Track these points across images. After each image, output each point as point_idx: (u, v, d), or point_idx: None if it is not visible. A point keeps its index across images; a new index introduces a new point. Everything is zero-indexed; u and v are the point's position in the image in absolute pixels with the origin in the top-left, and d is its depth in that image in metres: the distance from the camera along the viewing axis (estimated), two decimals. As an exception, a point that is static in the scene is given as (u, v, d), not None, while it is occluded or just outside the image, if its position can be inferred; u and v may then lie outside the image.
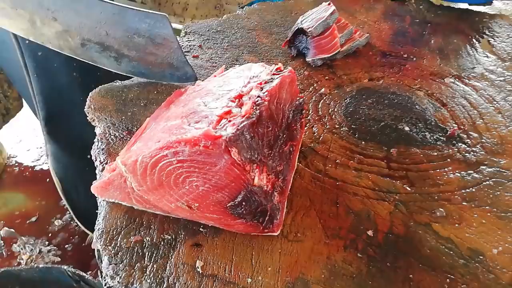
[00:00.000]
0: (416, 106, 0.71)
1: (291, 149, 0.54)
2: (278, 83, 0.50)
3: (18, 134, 1.62)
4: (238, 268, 0.45)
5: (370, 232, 0.49)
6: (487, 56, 0.84)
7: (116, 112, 0.65)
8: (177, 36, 0.71)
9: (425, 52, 0.86)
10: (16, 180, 1.43)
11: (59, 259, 1.20)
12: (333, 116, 0.68)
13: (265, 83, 0.50)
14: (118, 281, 0.44)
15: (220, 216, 0.46)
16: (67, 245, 1.24)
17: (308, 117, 0.67)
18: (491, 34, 0.91)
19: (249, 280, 0.44)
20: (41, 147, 1.53)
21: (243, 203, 0.44)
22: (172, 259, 0.46)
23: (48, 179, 1.37)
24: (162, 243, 0.47)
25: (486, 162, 0.60)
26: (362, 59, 0.84)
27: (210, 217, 0.46)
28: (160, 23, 0.66)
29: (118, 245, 0.47)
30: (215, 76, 0.60)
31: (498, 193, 0.55)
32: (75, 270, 0.84)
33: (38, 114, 1.02)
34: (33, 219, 1.31)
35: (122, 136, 0.60)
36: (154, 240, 0.47)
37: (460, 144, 0.63)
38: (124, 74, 0.71)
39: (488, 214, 0.52)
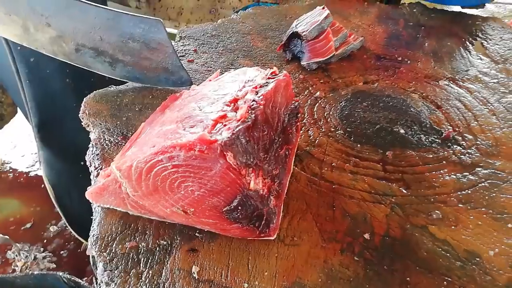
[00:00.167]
0: (411, 109, 0.71)
1: (286, 152, 0.54)
2: (273, 87, 0.50)
3: (12, 140, 1.61)
4: (235, 273, 0.45)
5: (366, 235, 0.49)
6: (481, 59, 0.85)
7: (111, 117, 0.65)
8: (172, 41, 0.71)
9: (419, 55, 0.86)
10: (10, 186, 1.42)
11: (54, 265, 1.20)
12: (329, 119, 0.68)
13: (260, 87, 0.50)
14: (113, 288, 0.44)
15: (216, 220, 0.45)
16: (62, 251, 1.24)
17: (304, 121, 0.67)
18: (484, 37, 0.92)
19: (246, 285, 0.44)
20: (35, 153, 1.52)
21: (239, 208, 0.44)
22: (168, 265, 0.45)
23: (42, 185, 1.36)
24: (157, 248, 0.47)
25: (481, 164, 0.60)
26: (357, 62, 0.84)
27: (206, 222, 0.46)
28: (154, 27, 0.66)
29: (113, 251, 0.47)
30: (210, 80, 0.60)
31: (494, 194, 0.55)
32: (71, 276, 0.84)
33: (30, 120, 1.02)
34: (28, 225, 1.30)
35: (117, 141, 0.60)
36: (150, 246, 0.47)
37: (455, 146, 0.63)
38: (119, 79, 0.71)
39: (484, 215, 0.52)
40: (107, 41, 0.68)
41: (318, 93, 0.74)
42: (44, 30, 0.68)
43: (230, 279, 0.44)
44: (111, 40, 0.68)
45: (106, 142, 0.60)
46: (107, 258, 0.46)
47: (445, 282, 0.45)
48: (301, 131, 0.64)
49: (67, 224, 1.14)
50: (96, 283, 0.46)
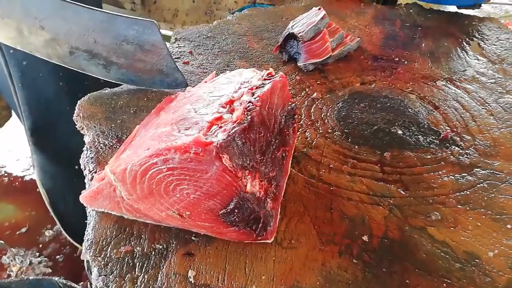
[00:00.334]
0: (409, 110, 0.70)
1: (283, 154, 0.53)
2: (269, 88, 0.49)
3: (7, 144, 1.60)
4: (232, 277, 0.44)
5: (365, 237, 0.49)
6: (478, 59, 0.84)
7: (106, 120, 0.64)
8: (167, 43, 0.71)
9: (416, 56, 0.86)
10: (5, 191, 1.41)
11: (50, 270, 1.19)
12: (326, 120, 0.68)
13: (257, 88, 0.49)
14: (108, 293, 0.43)
15: (212, 224, 0.45)
16: (58, 256, 1.22)
17: (301, 122, 0.67)
18: (481, 37, 0.92)
19: (243, 289, 0.43)
20: (30, 157, 1.51)
21: (236, 211, 0.43)
22: (164, 269, 0.45)
23: (38, 189, 1.34)
24: (153, 253, 0.46)
25: (479, 165, 0.59)
26: (354, 63, 0.84)
27: (202, 225, 0.45)
28: (148, 29, 0.66)
29: (108, 255, 0.46)
30: (205, 82, 0.59)
31: (493, 195, 0.55)
32: (66, 281, 0.83)
33: (23, 124, 1.01)
34: (23, 230, 1.29)
35: (111, 144, 0.59)
36: (145, 250, 0.46)
37: (453, 146, 0.63)
38: (114, 81, 0.70)
39: (483, 216, 0.52)
40: (101, 43, 0.67)
41: (315, 94, 0.74)
42: (38, 33, 0.67)
43: (227, 283, 0.43)
44: (105, 43, 0.67)
45: (101, 145, 0.59)
46: (102, 262, 0.45)
47: (444, 284, 0.44)
48: (298, 133, 0.64)
49: (62, 229, 1.13)
50: (91, 289, 0.45)
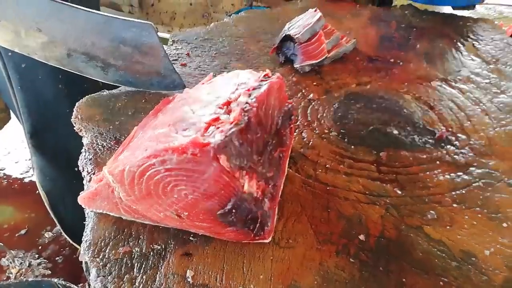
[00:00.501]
0: (404, 110, 0.71)
1: (280, 155, 0.53)
2: (266, 89, 0.49)
3: (6, 146, 1.60)
4: (230, 277, 0.44)
5: (362, 237, 0.49)
6: (472, 59, 0.85)
7: (104, 121, 0.64)
8: (165, 45, 0.71)
9: (411, 56, 0.86)
10: (4, 193, 1.41)
11: (49, 272, 1.19)
12: (322, 121, 0.68)
13: (253, 89, 0.50)
14: (107, 294, 0.43)
15: (210, 224, 0.45)
16: (57, 258, 1.22)
17: (297, 123, 0.67)
18: (475, 38, 0.92)
19: (241, 288, 0.43)
20: (29, 159, 1.51)
21: (233, 211, 0.43)
22: (162, 270, 0.45)
23: (37, 191, 1.35)
24: (151, 253, 0.46)
25: (475, 164, 0.60)
26: (350, 64, 0.84)
27: (200, 225, 0.46)
28: (145, 31, 0.66)
29: (106, 256, 0.46)
30: (203, 83, 0.60)
31: (488, 194, 0.55)
32: (66, 282, 0.83)
33: (22, 127, 1.01)
34: (23, 231, 1.29)
35: (109, 145, 0.60)
36: (143, 251, 0.47)
37: (448, 146, 0.63)
38: (111, 83, 0.71)
39: (479, 215, 0.52)
40: (98, 45, 0.68)
41: (311, 95, 0.74)
42: (35, 36, 0.67)
43: (225, 283, 0.44)
44: (103, 45, 0.68)
45: (99, 146, 0.59)
46: (100, 263, 0.46)
47: (441, 283, 0.45)
48: (295, 133, 0.64)
49: (61, 230, 1.13)
50: (90, 290, 0.46)
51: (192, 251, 0.47)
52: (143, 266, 0.45)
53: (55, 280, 0.83)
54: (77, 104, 0.67)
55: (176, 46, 0.86)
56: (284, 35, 0.82)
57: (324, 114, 0.70)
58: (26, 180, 1.45)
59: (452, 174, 0.58)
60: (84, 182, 0.56)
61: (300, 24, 0.83)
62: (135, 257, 0.46)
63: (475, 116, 0.69)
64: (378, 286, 0.44)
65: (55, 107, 0.98)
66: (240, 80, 0.53)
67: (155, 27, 0.67)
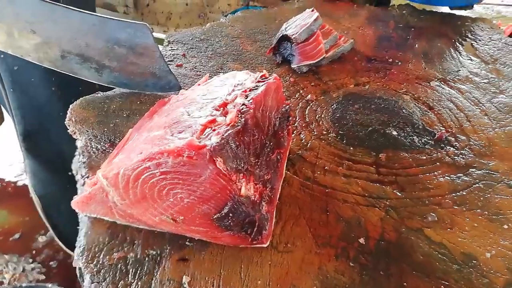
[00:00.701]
0: (403, 110, 0.70)
1: (278, 157, 0.53)
2: (263, 90, 0.49)
3: (-1, 149, 1.59)
4: (227, 283, 0.43)
5: (361, 240, 0.48)
6: (471, 59, 0.85)
7: (98, 124, 0.63)
8: (160, 46, 0.70)
9: (409, 56, 0.86)
10: (-2, 197, 1.40)
11: (43, 276, 1.17)
12: (320, 122, 0.67)
13: (250, 90, 0.49)
14: (101, 301, 0.42)
15: (207, 228, 0.44)
16: (52, 262, 1.21)
17: (295, 124, 0.67)
18: (474, 37, 0.92)
19: (239, 294, 0.42)
20: (23, 162, 1.50)
21: (230, 215, 0.42)
22: (158, 276, 0.44)
23: (31, 195, 1.34)
24: (146, 259, 0.45)
25: (475, 165, 0.59)
26: (348, 64, 0.83)
27: (196, 230, 0.45)
28: (140, 32, 0.65)
29: (100, 262, 0.45)
30: (199, 84, 0.59)
31: (489, 195, 0.55)
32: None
33: (15, 130, 0.99)
34: (16, 236, 1.27)
35: (104, 148, 0.59)
36: (138, 256, 0.46)
37: (448, 147, 0.62)
38: (106, 85, 0.70)
39: (480, 217, 0.52)
40: (93, 47, 0.67)
41: (309, 96, 0.73)
42: (29, 37, 0.66)
43: (222, 289, 0.43)
44: (97, 46, 0.67)
45: (93, 149, 0.58)
46: (94, 269, 0.44)
47: (442, 286, 0.44)
48: (292, 135, 0.63)
49: (55, 237, 1.12)
50: (83, 296, 0.44)
51: (188, 256, 0.46)
52: (138, 272, 0.44)
53: (50, 285, 0.82)
54: (71, 106, 0.66)
55: (171, 47, 0.85)
56: (281, 35, 0.82)
57: (322, 115, 0.69)
58: (20, 183, 1.44)
59: (452, 176, 0.57)
60: (78, 186, 0.55)
61: (297, 24, 0.82)
62: (130, 262, 0.45)
63: (474, 116, 0.69)
64: (379, 290, 0.44)
65: (48, 110, 0.96)
66: (236, 81, 0.52)
67: (151, 28, 0.66)
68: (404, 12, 1.03)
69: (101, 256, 0.46)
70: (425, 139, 0.64)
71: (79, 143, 0.60)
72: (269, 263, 0.45)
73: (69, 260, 1.21)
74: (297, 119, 0.68)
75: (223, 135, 0.40)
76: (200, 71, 0.78)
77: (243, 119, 0.43)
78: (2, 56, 0.88)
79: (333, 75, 0.80)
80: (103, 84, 0.70)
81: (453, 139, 0.64)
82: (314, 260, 0.46)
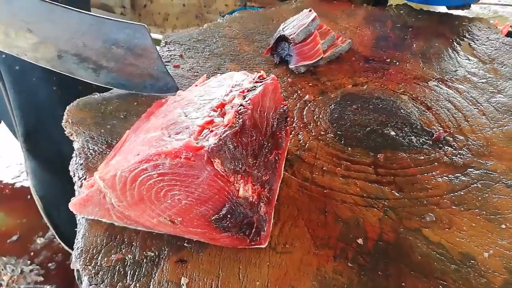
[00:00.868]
0: (401, 110, 0.70)
1: (276, 157, 0.52)
2: (261, 91, 0.49)
3: (-4, 151, 1.58)
4: (225, 284, 0.43)
5: (360, 240, 0.48)
6: (469, 59, 0.85)
7: (95, 125, 0.63)
8: (157, 46, 0.70)
9: (407, 56, 0.86)
10: (-5, 199, 1.39)
11: (42, 278, 1.17)
12: (318, 122, 0.67)
13: (248, 91, 0.49)
14: (99, 303, 0.42)
15: (205, 230, 0.44)
16: (50, 264, 1.21)
17: (293, 125, 0.66)
18: (471, 37, 0.92)
19: (237, 296, 0.42)
20: (21, 164, 1.49)
21: (228, 216, 0.42)
22: (156, 277, 0.44)
23: (29, 196, 1.33)
24: (144, 260, 0.45)
25: (473, 165, 0.59)
26: (345, 64, 0.83)
27: (194, 231, 0.44)
28: (139, 33, 0.65)
29: (98, 264, 0.45)
30: (196, 85, 0.59)
31: (487, 195, 0.55)
32: (58, 290, 0.81)
33: (16, 130, 0.99)
34: (14, 238, 1.27)
35: (101, 150, 0.58)
36: (137, 258, 0.45)
37: (446, 147, 0.62)
38: (103, 85, 0.69)
39: (478, 217, 0.52)
40: (90, 47, 0.66)
41: (307, 96, 0.73)
42: (25, 36, 0.66)
43: (220, 290, 0.43)
44: (95, 46, 0.66)
45: (90, 151, 0.58)
46: (92, 271, 0.44)
47: (440, 286, 0.44)
48: (290, 135, 0.63)
49: (56, 236, 1.11)
50: (81, 298, 0.44)
51: (186, 257, 0.46)
52: (136, 273, 0.44)
53: (48, 287, 0.81)
54: (67, 107, 0.66)
55: (168, 48, 0.85)
56: (278, 35, 0.81)
57: (320, 116, 0.69)
58: (18, 185, 1.43)
59: (450, 176, 0.57)
60: (76, 187, 0.54)
61: (295, 25, 0.82)
62: (128, 264, 0.45)
63: (472, 116, 0.69)
64: (377, 291, 0.43)
65: (49, 110, 0.96)
66: (234, 82, 0.52)
67: (148, 29, 0.66)
68: (401, 12, 1.03)
69: (99, 258, 0.45)
70: (423, 139, 0.64)
71: (76, 145, 0.60)
72: (267, 264, 0.45)
73: (68, 262, 1.20)
74: (295, 119, 0.68)
75: (220, 136, 0.40)
76: (197, 72, 0.78)
77: (240, 120, 0.43)
78: (3, 56, 0.88)
79: (331, 76, 0.80)
80: (100, 84, 0.69)
81: (451, 139, 0.64)
82: (313, 261, 0.46)
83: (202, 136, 0.41)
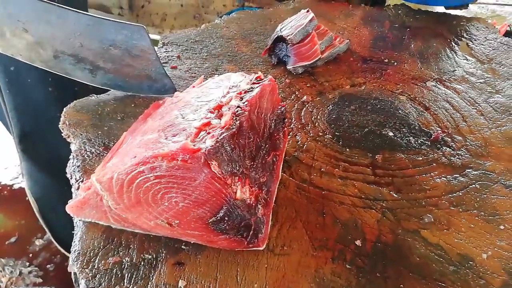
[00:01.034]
0: (399, 111, 0.70)
1: (274, 159, 0.52)
2: (258, 92, 0.48)
3: (-6, 153, 1.58)
4: (223, 286, 0.43)
5: (358, 242, 0.48)
6: (467, 59, 0.84)
7: (92, 127, 0.63)
8: (155, 47, 0.70)
9: (405, 56, 0.86)
10: (-6, 200, 1.39)
11: (40, 280, 1.16)
12: (316, 123, 0.67)
13: (245, 92, 0.49)
14: (96, 306, 0.42)
15: (202, 232, 0.44)
16: (49, 265, 1.20)
17: (291, 126, 0.66)
18: (469, 37, 0.92)
19: (235, 298, 0.42)
20: (19, 165, 1.49)
21: (226, 218, 0.42)
22: (153, 280, 0.43)
23: (27, 198, 1.32)
24: (142, 263, 0.45)
25: (471, 165, 0.59)
26: (343, 65, 0.83)
27: (192, 234, 0.44)
28: (137, 34, 0.65)
29: (95, 267, 0.45)
30: (193, 86, 0.58)
31: (485, 196, 0.54)
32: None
33: (11, 131, 0.99)
34: (13, 239, 1.26)
35: (98, 152, 0.58)
36: (134, 261, 0.45)
37: (444, 147, 0.62)
38: (100, 87, 0.69)
39: (476, 218, 0.52)
40: (87, 47, 0.66)
41: (305, 97, 0.73)
42: (21, 36, 0.65)
43: (218, 293, 0.43)
44: (92, 47, 0.66)
45: (87, 153, 0.58)
46: (90, 274, 0.44)
47: (439, 288, 0.44)
48: (288, 137, 0.63)
49: (52, 239, 1.11)
50: (78, 302, 0.44)
51: (184, 260, 0.45)
52: (134, 276, 0.44)
53: (46, 288, 0.81)
54: (64, 109, 0.66)
55: (166, 49, 0.85)
56: (276, 36, 0.81)
57: (318, 117, 0.69)
58: (16, 186, 1.43)
59: (448, 176, 0.57)
60: (73, 190, 0.54)
61: (292, 25, 0.81)
62: (126, 267, 0.45)
63: (470, 116, 0.69)
64: (376, 293, 0.43)
65: (44, 111, 0.96)
66: (231, 83, 0.52)
67: (147, 30, 0.65)
68: (399, 12, 1.03)
69: (96, 260, 0.45)
70: (421, 140, 0.64)
71: (73, 147, 0.59)
72: (265, 266, 0.45)
73: (66, 263, 1.20)
74: (292, 120, 0.68)
75: (218, 138, 0.40)
76: (195, 73, 0.78)
77: (238, 122, 0.43)
78: None
79: (328, 76, 0.80)
80: (97, 85, 0.69)
81: (449, 139, 0.64)
82: (311, 263, 0.46)
83: (199, 138, 0.40)
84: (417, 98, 0.73)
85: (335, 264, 0.46)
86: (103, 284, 0.43)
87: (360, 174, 0.57)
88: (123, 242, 0.47)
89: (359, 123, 0.67)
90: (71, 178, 0.55)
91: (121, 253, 0.46)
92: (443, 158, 0.60)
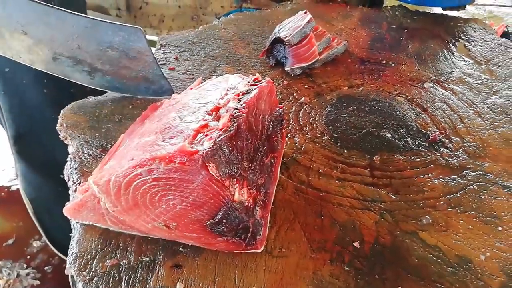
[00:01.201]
0: (397, 112, 0.70)
1: (272, 161, 0.52)
2: (256, 94, 0.48)
3: (-9, 154, 1.57)
4: (221, 289, 0.43)
5: (356, 244, 0.48)
6: (464, 60, 0.85)
7: (90, 129, 0.62)
8: (152, 48, 0.70)
9: (403, 58, 0.86)
10: (-9, 202, 1.38)
11: (38, 282, 1.16)
12: (314, 125, 0.67)
13: (243, 94, 0.49)
14: (93, 309, 0.41)
15: (200, 234, 0.44)
16: (46, 267, 1.20)
17: (289, 127, 0.66)
18: (467, 38, 0.92)
19: (233, 301, 0.42)
20: (15, 165, 1.48)
21: (224, 221, 0.42)
22: (151, 283, 0.43)
23: (24, 199, 1.32)
24: (140, 265, 0.45)
25: (469, 166, 0.59)
26: (341, 66, 0.83)
27: (190, 236, 0.44)
28: (134, 36, 0.65)
29: (93, 270, 0.44)
30: (191, 88, 0.58)
31: (483, 197, 0.55)
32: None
33: (6, 132, 0.98)
34: (10, 241, 1.26)
35: (96, 154, 0.58)
36: (132, 263, 0.45)
37: (442, 149, 0.62)
38: (98, 88, 0.69)
39: (474, 219, 0.52)
40: (85, 49, 0.66)
41: (303, 98, 0.73)
42: (20, 38, 0.65)
43: (216, 295, 0.42)
44: (90, 49, 0.66)
45: (85, 155, 0.58)
46: (87, 277, 0.44)
47: (437, 289, 0.44)
48: (286, 138, 0.63)
49: (47, 242, 1.10)
50: (76, 305, 0.44)
51: (182, 262, 0.45)
52: (131, 279, 0.44)
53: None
54: (62, 111, 0.65)
55: (164, 50, 0.85)
56: (274, 37, 0.81)
57: (316, 118, 0.69)
58: (13, 188, 1.42)
59: (446, 178, 0.57)
60: (70, 192, 0.54)
61: (290, 27, 0.82)
62: (123, 270, 0.45)
63: (468, 117, 0.69)
64: (374, 294, 0.43)
65: (40, 112, 0.95)
66: (229, 85, 0.52)
67: (144, 32, 0.65)
68: (397, 13, 1.03)
69: (94, 263, 0.45)
70: (419, 141, 0.64)
71: (70, 149, 0.59)
72: (263, 268, 0.45)
73: (64, 265, 1.20)
74: (290, 122, 0.68)
75: (215, 140, 0.40)
76: (192, 75, 0.78)
77: (235, 124, 0.43)
78: None
79: (326, 78, 0.80)
80: (94, 87, 0.69)
81: (447, 140, 0.64)
82: (309, 265, 0.46)
83: (197, 140, 0.40)
84: (415, 100, 0.73)
85: (333, 266, 0.46)
86: (100, 286, 0.43)
87: (358, 176, 0.57)
88: (120, 244, 0.47)
89: (357, 125, 0.67)
90: (68, 180, 0.55)
91: (118, 255, 0.46)
92: (441, 159, 0.61)
